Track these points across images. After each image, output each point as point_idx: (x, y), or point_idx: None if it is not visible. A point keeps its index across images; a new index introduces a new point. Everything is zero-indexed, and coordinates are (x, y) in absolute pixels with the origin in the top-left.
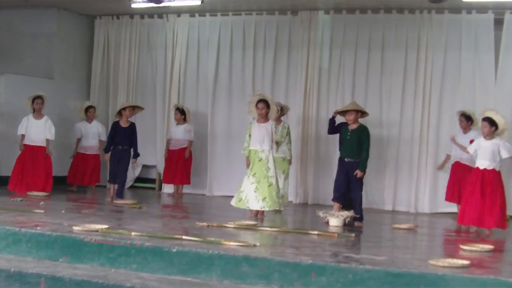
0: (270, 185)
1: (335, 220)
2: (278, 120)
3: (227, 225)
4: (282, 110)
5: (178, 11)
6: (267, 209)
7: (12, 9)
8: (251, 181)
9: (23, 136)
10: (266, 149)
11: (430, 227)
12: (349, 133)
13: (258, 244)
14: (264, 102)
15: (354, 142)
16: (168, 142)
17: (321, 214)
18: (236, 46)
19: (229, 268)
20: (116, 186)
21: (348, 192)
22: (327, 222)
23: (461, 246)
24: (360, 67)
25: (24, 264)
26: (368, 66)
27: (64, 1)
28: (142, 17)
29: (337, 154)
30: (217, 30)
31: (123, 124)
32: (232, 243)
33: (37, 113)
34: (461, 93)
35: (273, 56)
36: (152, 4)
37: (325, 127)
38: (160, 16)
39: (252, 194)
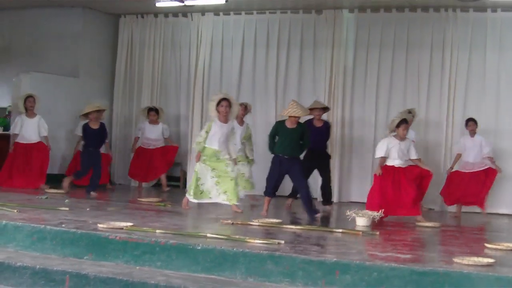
0: (231, 179)
1: (362, 219)
2: (241, 120)
3: (251, 223)
4: (246, 109)
5: (203, 10)
6: (228, 203)
7: (37, 8)
8: (210, 175)
9: (15, 135)
10: (226, 151)
11: (455, 226)
12: (288, 133)
13: (282, 242)
14: (227, 101)
15: (295, 141)
16: (136, 140)
17: (348, 213)
18: (260, 44)
19: (254, 265)
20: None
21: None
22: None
23: (486, 245)
24: (385, 66)
25: (49, 262)
26: (393, 65)
27: (89, 0)
28: (166, 16)
29: (360, 152)
30: (241, 29)
31: (93, 126)
32: (256, 241)
33: (30, 112)
34: (486, 92)
35: (297, 55)
36: (177, 3)
37: (349, 125)
38: (185, 14)
39: (214, 187)
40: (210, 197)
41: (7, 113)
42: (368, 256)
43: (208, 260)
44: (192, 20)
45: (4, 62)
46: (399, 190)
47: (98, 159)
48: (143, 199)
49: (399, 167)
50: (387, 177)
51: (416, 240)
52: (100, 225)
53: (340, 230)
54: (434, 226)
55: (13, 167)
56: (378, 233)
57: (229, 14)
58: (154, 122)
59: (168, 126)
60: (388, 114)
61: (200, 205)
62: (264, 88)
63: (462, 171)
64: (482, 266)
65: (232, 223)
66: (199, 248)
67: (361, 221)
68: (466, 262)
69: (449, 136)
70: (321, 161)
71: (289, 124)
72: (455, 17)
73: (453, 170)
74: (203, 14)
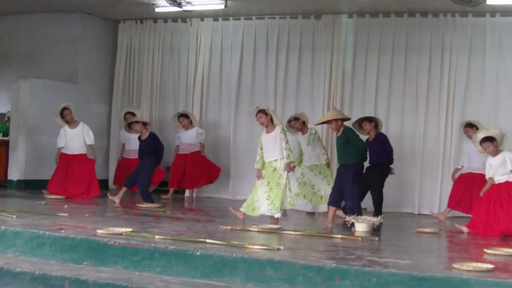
0: (280, 189)
1: (361, 225)
2: (304, 130)
3: (250, 228)
4: (298, 120)
5: (202, 15)
6: (274, 211)
7: (36, 13)
8: (265, 189)
9: (60, 148)
10: (278, 158)
11: (454, 231)
12: (337, 142)
13: (282, 247)
14: (261, 112)
15: (342, 148)
16: (177, 148)
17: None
18: (259, 50)
19: (253, 271)
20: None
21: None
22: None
23: (485, 250)
24: (384, 71)
25: (48, 267)
26: (392, 70)
27: (88, 5)
28: (165, 21)
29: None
30: (241, 34)
31: (142, 137)
32: (256, 247)
33: (71, 123)
34: (485, 96)
35: (296, 60)
36: (176, 8)
37: None
38: (184, 20)
39: (264, 202)
40: (259, 213)
41: (6, 118)
42: (367, 262)
43: (208, 266)
44: (191, 25)
45: (3, 68)
46: (495, 208)
47: (144, 168)
48: (142, 205)
49: (498, 183)
50: (486, 195)
51: (416, 246)
52: (99, 231)
53: (340, 236)
54: (434, 232)
55: (62, 176)
56: (377, 238)
57: (228, 20)
58: (186, 127)
59: (203, 130)
60: (387, 119)
61: (199, 211)
62: (264, 93)
63: None
64: (482, 271)
65: (231, 229)
66: (198, 254)
67: (361, 227)
68: (465, 267)
69: (448, 140)
70: (372, 173)
71: (337, 133)
72: (454, 22)
73: None
74: (202, 20)
